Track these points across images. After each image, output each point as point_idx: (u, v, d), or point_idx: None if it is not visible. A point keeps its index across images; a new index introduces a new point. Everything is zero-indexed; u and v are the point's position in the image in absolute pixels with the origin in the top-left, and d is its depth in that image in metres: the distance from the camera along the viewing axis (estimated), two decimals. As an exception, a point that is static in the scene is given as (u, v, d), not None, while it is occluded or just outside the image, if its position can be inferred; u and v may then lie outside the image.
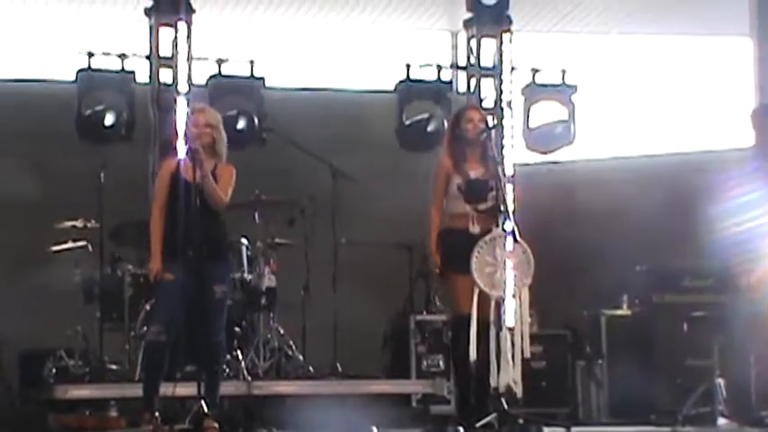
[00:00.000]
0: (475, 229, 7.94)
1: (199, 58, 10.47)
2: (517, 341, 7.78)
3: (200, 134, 7.80)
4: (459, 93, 11.35)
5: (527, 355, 7.83)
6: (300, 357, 9.77)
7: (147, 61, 10.41)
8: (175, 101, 10.20)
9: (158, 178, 8.00)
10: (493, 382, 7.74)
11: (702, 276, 10.09)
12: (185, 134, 7.92)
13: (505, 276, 7.78)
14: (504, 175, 8.07)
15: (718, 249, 8.30)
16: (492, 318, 7.77)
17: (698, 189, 8.71)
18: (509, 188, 8.17)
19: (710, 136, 12.40)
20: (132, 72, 10.31)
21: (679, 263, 10.45)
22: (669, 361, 9.96)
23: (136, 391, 8.07)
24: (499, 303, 7.78)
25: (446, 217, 8.06)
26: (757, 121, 8.50)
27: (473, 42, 11.28)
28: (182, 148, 7.98)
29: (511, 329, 7.79)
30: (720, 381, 8.86)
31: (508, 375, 7.74)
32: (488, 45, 11.25)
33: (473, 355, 7.71)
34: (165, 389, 7.85)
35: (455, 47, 12.45)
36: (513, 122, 11.16)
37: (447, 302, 9.22)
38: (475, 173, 8.03)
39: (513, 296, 7.81)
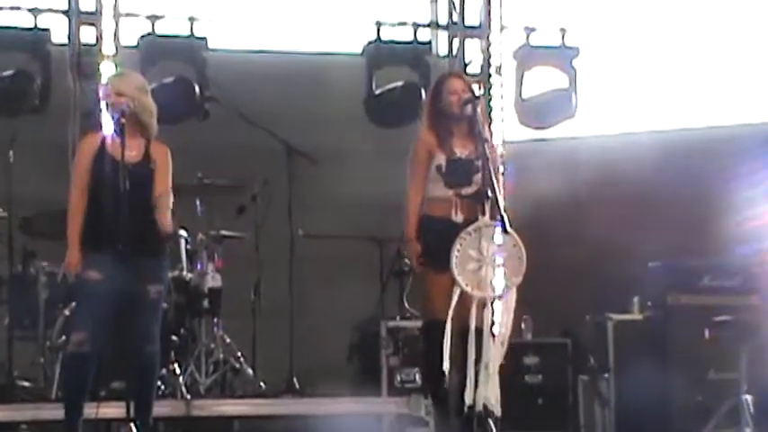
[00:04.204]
0: (458, 217, 7.87)
1: (128, 15, 10.57)
2: (497, 349, 7.75)
3: (116, 104, 7.73)
4: (439, 56, 11.46)
5: (497, 365, 7.74)
6: (250, 371, 9.80)
7: (65, 17, 10.49)
8: (99, 65, 10.29)
9: (79, 155, 7.90)
10: (468, 399, 7.68)
11: (726, 274, 10.07)
12: (105, 106, 7.95)
13: (492, 274, 7.73)
14: (495, 153, 8.15)
15: (744, 241, 8.67)
16: (474, 323, 7.69)
17: (720, 171, 9.45)
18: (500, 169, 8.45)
19: (735, 107, 12.31)
20: (47, 30, 10.34)
21: (699, 258, 10.40)
22: (688, 374, 9.93)
23: (52, 412, 8.17)
24: (484, 306, 7.70)
25: (425, 202, 7.98)
26: None
27: (456, -4, 11.46)
28: (107, 124, 7.93)
29: (495, 337, 7.78)
30: (748, 397, 8.95)
31: (493, 390, 7.70)
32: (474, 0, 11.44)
33: (447, 366, 7.66)
34: (89, 410, 7.81)
35: (434, 2, 12.40)
36: (503, 91, 11.27)
37: (419, 304, 9.05)
38: (461, 151, 7.96)
39: (500, 297, 7.78)
